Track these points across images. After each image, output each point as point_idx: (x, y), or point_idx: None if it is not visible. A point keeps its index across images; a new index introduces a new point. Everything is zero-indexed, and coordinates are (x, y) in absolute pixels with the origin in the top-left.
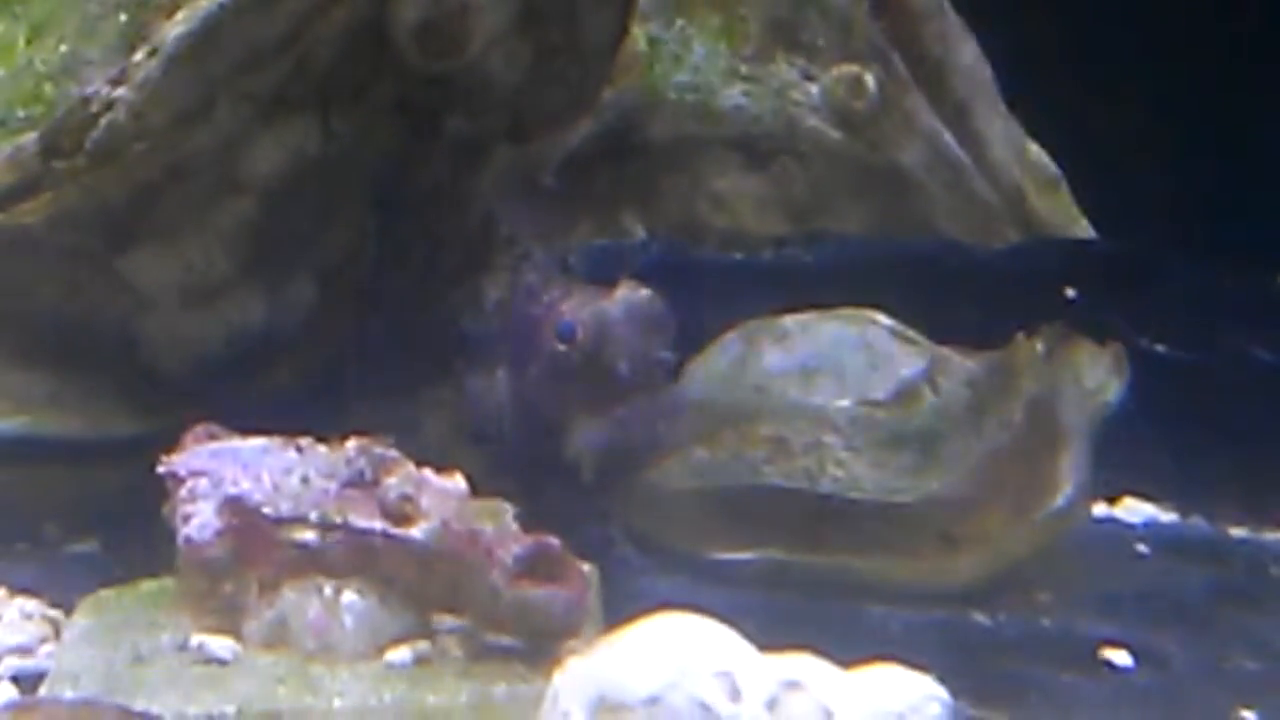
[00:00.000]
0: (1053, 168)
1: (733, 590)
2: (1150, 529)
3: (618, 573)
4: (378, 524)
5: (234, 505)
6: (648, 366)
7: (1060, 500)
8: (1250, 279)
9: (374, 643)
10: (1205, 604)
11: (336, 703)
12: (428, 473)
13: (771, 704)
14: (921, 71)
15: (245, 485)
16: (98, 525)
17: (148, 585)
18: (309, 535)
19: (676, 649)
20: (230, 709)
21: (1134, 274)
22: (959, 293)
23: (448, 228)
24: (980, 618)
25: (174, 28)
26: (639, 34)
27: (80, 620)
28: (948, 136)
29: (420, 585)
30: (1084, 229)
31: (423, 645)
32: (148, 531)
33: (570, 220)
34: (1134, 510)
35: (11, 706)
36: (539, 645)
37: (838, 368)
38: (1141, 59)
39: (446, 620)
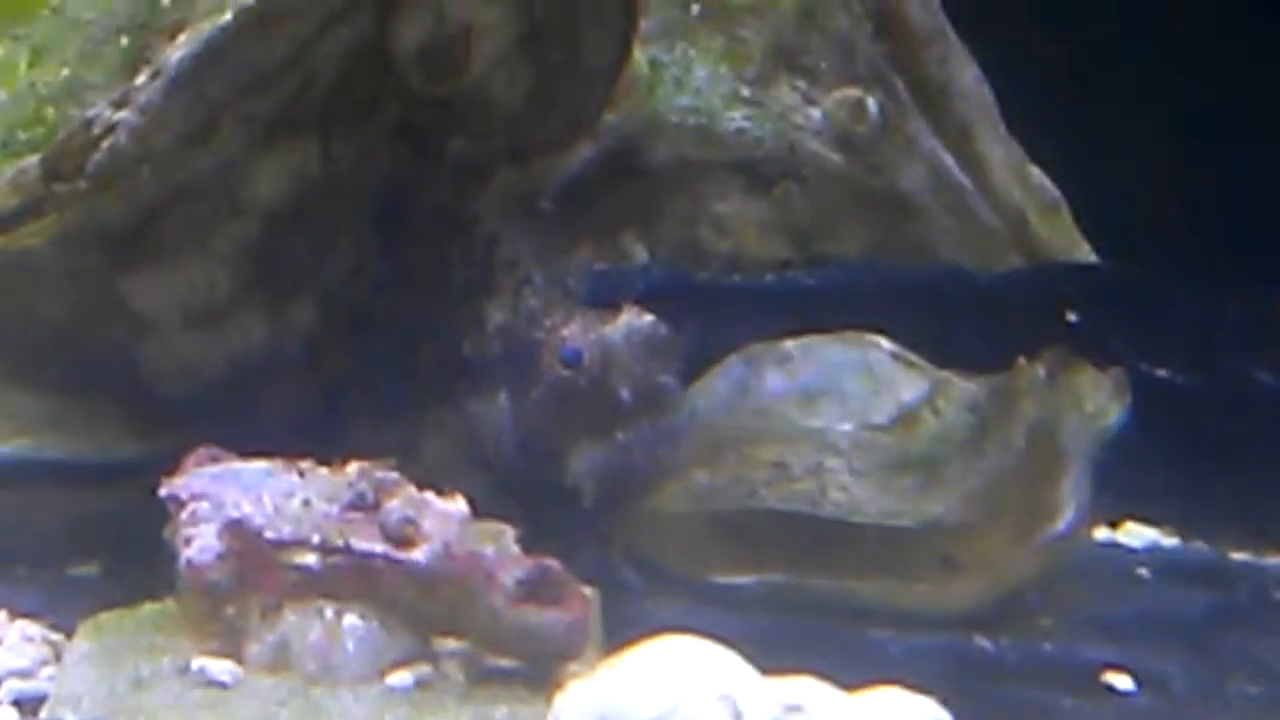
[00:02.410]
0: (1054, 191)
1: (734, 614)
2: (1152, 553)
3: (619, 596)
4: (379, 547)
5: (235, 528)
6: (650, 391)
7: (1061, 524)
8: (1251, 302)
9: (375, 666)
10: (1207, 628)
11: None
12: (429, 495)
13: None
14: (923, 95)
15: (247, 508)
16: (99, 548)
17: (149, 608)
18: (310, 558)
19: (678, 672)
20: None
21: (1135, 298)
22: (960, 316)
23: (449, 250)
24: (982, 641)
25: (176, 50)
26: (640, 57)
27: (81, 643)
28: (949, 160)
29: (422, 608)
30: (1085, 253)
31: (424, 668)
32: (149, 554)
33: (571, 243)
34: (1135, 534)
35: None
36: (540, 668)
37: (839, 391)
38: (1142, 81)
39: (448, 643)
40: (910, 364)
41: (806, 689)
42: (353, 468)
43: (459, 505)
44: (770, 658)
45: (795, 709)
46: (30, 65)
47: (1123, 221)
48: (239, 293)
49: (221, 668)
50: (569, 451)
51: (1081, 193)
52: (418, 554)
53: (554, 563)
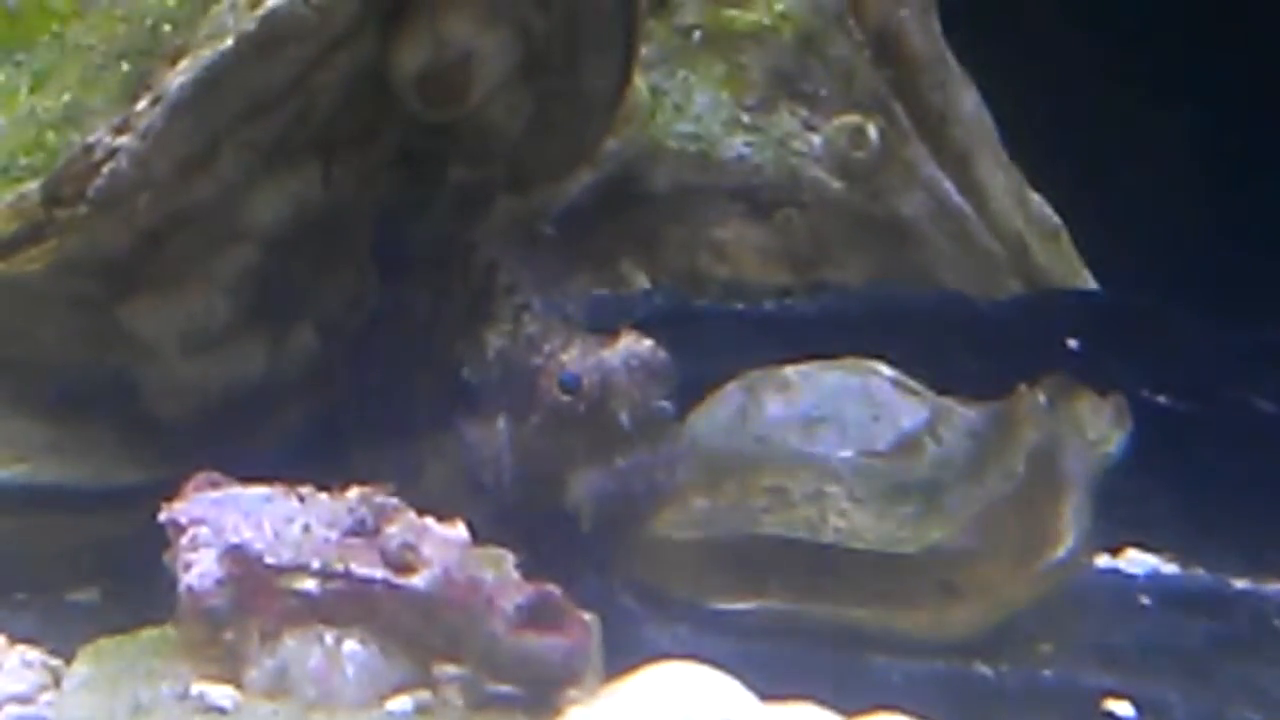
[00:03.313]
0: (1054, 218)
1: (734, 640)
2: (1152, 580)
3: (618, 622)
4: (379, 573)
5: (235, 554)
6: (649, 417)
7: (1062, 551)
8: (1251, 330)
9: (375, 691)
10: (1207, 655)
11: None
12: (429, 521)
13: None
14: (923, 121)
15: (246, 534)
16: (98, 573)
17: (148, 633)
18: (310, 584)
19: (678, 699)
20: None
21: (1136, 325)
22: (961, 343)
23: (449, 277)
24: (982, 668)
25: (177, 76)
26: (641, 83)
27: (80, 669)
28: (949, 186)
29: (421, 634)
30: (1086, 280)
31: (424, 694)
32: (149, 580)
33: (571, 270)
34: (1136, 561)
35: None
36: (540, 694)
37: (839, 418)
38: (1142, 108)
39: (448, 669)
40: (910, 390)
41: (807, 716)
42: (353, 493)
43: (459, 531)
44: (770, 684)
45: None
46: (31, 90)
47: (1124, 249)
48: (239, 319)
49: (221, 693)
50: (568, 477)
51: (1083, 219)
52: (418, 580)
53: (554, 589)
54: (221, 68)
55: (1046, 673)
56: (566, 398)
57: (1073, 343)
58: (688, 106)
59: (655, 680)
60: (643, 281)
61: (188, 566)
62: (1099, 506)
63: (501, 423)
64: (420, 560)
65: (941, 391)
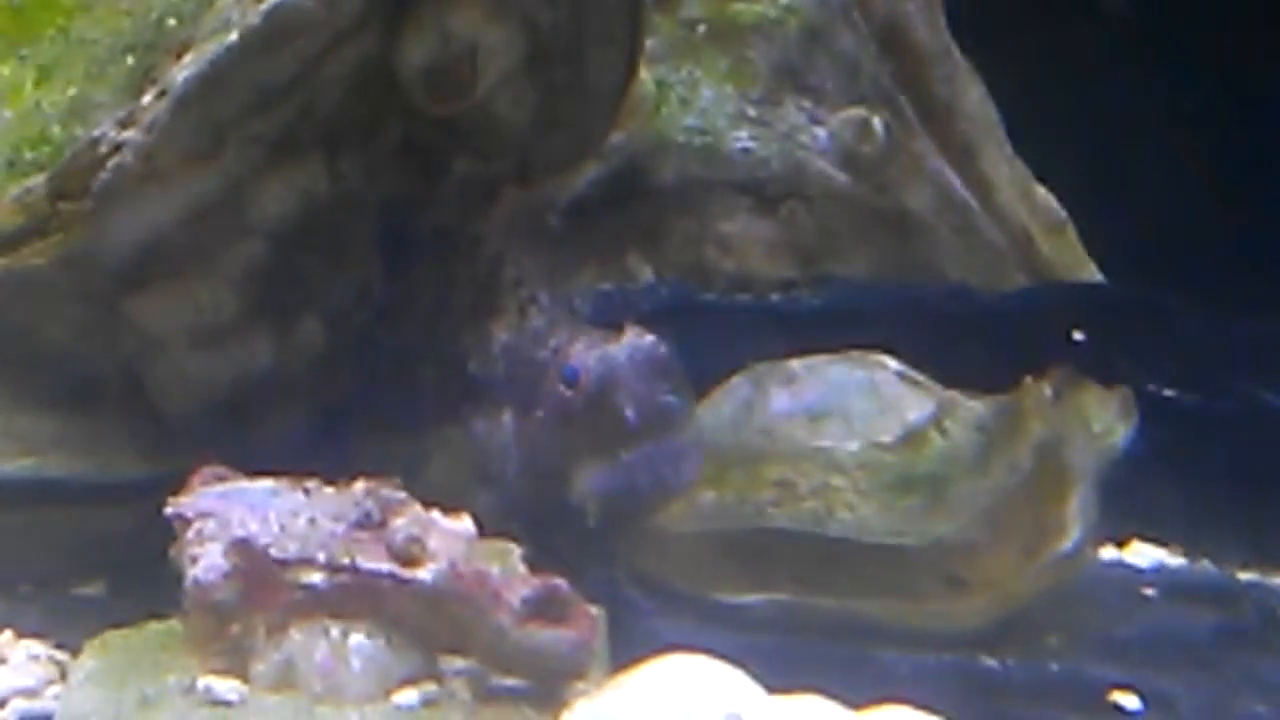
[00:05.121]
0: (1059, 211)
1: (740, 633)
2: (1158, 572)
3: (625, 615)
4: (385, 566)
5: (241, 547)
6: (653, 410)
7: (1068, 544)
8: (1257, 322)
9: (381, 685)
10: (1213, 647)
11: None
12: (435, 514)
13: None
14: (928, 115)
15: (253, 527)
16: (104, 567)
17: (154, 627)
18: (316, 577)
19: (684, 691)
20: None
21: (1141, 317)
22: (966, 336)
23: (455, 270)
24: (988, 661)
25: (182, 70)
26: (647, 77)
27: (87, 662)
28: (955, 179)
29: (428, 627)
30: (1091, 272)
31: (430, 687)
32: (155, 573)
33: (577, 263)
34: (1142, 554)
35: None
36: (547, 687)
37: (845, 411)
38: (1147, 100)
39: (454, 662)
40: (916, 384)
41: (813, 708)
42: (359, 486)
43: (465, 524)
44: (777, 677)
45: None
46: (36, 85)
47: (1129, 241)
48: (245, 312)
49: (227, 686)
50: (573, 470)
51: (1089, 212)
52: (424, 573)
53: (561, 581)
54: (227, 62)
55: (1053, 665)
56: (570, 392)
57: (1078, 335)
58: (693, 100)
59: (662, 672)
60: (648, 275)
61: (194, 560)
62: (1105, 499)
63: (507, 416)
64: (426, 553)
65: (947, 384)
